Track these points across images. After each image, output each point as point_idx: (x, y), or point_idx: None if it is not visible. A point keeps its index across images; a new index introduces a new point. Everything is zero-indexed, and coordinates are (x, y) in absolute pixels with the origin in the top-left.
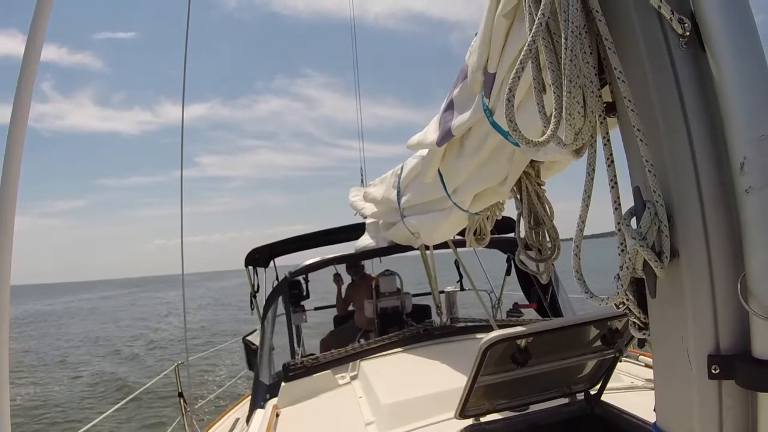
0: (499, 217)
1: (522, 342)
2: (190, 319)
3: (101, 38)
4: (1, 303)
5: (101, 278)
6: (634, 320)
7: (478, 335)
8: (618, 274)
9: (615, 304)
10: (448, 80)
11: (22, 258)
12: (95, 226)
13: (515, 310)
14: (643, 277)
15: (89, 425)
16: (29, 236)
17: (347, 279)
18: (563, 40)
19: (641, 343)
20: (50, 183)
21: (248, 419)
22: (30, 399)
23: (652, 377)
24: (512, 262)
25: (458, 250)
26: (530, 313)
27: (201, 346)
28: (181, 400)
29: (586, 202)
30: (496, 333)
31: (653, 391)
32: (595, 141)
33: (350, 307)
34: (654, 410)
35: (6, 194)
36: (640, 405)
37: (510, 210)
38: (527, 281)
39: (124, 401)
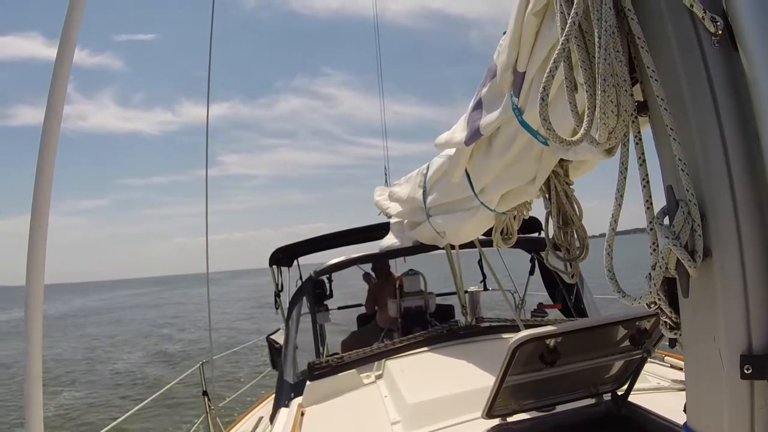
0: (527, 217)
1: (551, 342)
2: (236, 313)
3: (122, 40)
4: (35, 300)
5: (124, 278)
6: (666, 320)
7: (504, 335)
8: (650, 274)
9: (646, 304)
10: (467, 78)
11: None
12: (115, 225)
13: (540, 310)
14: (676, 276)
15: (113, 424)
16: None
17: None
18: (596, 39)
19: (672, 343)
20: (71, 183)
21: (272, 418)
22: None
23: (678, 378)
24: (536, 261)
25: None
26: (555, 314)
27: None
28: (206, 399)
29: (619, 201)
30: (526, 332)
31: (680, 393)
32: (627, 140)
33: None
34: (684, 410)
35: (39, 196)
36: (667, 406)
37: (537, 209)
38: (552, 281)
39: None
